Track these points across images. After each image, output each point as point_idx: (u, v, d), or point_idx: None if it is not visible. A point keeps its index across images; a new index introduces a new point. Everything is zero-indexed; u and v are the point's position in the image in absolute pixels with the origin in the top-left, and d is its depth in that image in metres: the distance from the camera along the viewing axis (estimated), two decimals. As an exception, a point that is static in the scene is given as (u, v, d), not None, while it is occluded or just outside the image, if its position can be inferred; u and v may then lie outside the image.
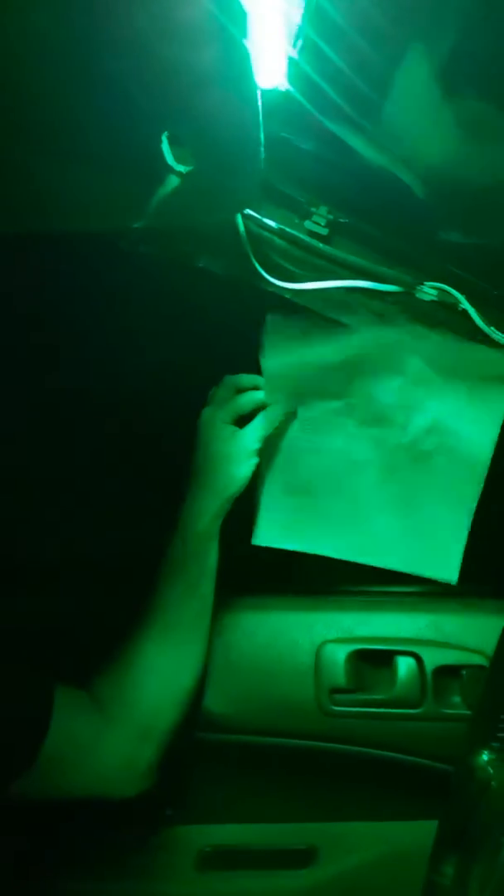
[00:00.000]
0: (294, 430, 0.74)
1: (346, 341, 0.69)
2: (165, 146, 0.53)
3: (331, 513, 0.75)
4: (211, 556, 0.67)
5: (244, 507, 0.72)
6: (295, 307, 0.66)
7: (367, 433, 0.73)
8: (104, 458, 0.85)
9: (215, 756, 0.73)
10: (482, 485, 0.71)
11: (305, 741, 0.72)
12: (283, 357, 0.71)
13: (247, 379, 0.71)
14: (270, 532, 0.76)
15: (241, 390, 0.71)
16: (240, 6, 0.43)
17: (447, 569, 0.72)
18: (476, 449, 0.71)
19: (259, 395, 0.71)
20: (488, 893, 0.30)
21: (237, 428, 0.70)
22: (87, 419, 0.83)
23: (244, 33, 0.43)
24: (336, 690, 0.72)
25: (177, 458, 0.70)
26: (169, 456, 0.72)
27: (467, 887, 0.33)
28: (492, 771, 0.47)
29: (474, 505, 0.71)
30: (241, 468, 0.68)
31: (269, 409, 0.71)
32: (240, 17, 0.43)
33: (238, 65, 0.46)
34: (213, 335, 0.76)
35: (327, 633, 0.74)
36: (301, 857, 0.73)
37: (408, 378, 0.71)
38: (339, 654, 0.73)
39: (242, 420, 0.71)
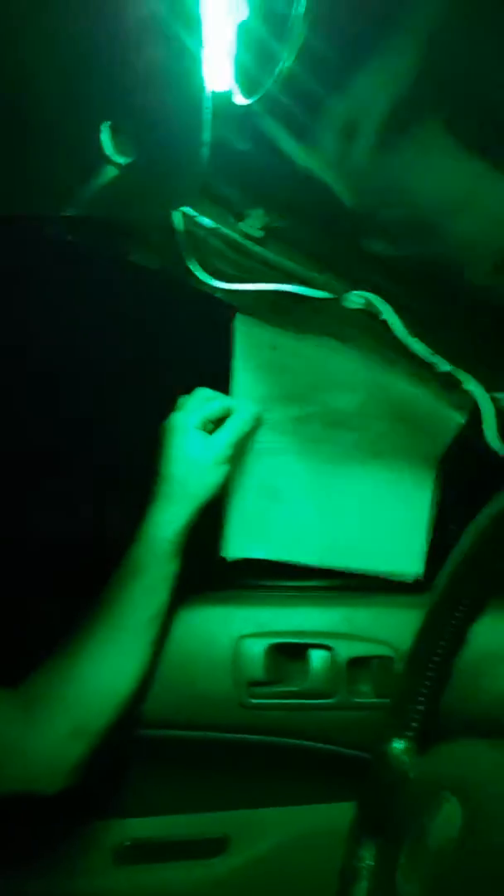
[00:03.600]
0: (260, 435, 0.76)
1: (311, 351, 0.71)
2: (105, 136, 0.52)
3: (298, 518, 0.78)
4: (174, 564, 0.67)
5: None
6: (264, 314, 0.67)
7: (329, 436, 0.76)
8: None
9: (133, 751, 0.73)
10: (434, 485, 0.76)
11: (223, 733, 0.73)
12: (252, 362, 0.71)
13: (216, 393, 0.72)
14: (241, 542, 0.77)
15: (209, 399, 0.71)
16: (196, 9, 0.43)
17: (412, 563, 0.77)
18: (427, 454, 0.75)
19: (228, 402, 0.71)
20: (416, 880, 0.33)
21: (207, 434, 0.70)
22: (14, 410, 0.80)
23: (198, 35, 0.43)
24: (254, 683, 0.73)
25: (133, 461, 0.69)
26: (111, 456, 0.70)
27: (393, 875, 0.36)
28: (407, 759, 0.50)
29: (433, 504, 0.76)
30: (214, 474, 0.69)
31: (238, 414, 0.71)
32: (194, 20, 0.43)
33: (188, 65, 0.45)
34: (142, 329, 0.76)
35: (245, 628, 0.76)
36: (214, 846, 0.74)
37: (362, 393, 0.73)
38: (256, 648, 0.74)
39: (210, 426, 0.72)
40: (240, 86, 0.49)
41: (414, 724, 0.50)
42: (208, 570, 0.79)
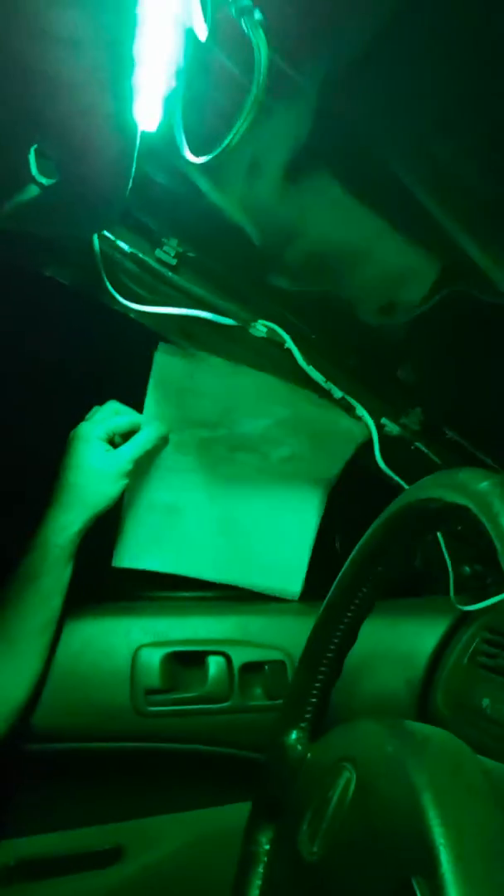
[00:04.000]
0: (165, 453, 0.79)
1: (227, 379, 0.75)
2: (31, 156, 0.54)
3: (190, 532, 0.81)
4: (67, 571, 0.68)
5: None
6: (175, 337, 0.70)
7: (233, 457, 0.80)
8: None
9: (29, 768, 0.73)
10: (322, 510, 0.83)
11: (120, 742, 0.74)
12: (168, 384, 0.74)
13: (126, 408, 0.73)
14: (131, 552, 0.79)
15: (118, 412, 0.73)
16: (131, 53, 0.46)
17: (292, 582, 0.83)
18: (321, 485, 0.82)
19: (136, 418, 0.73)
20: (318, 839, 0.37)
21: (111, 447, 0.72)
22: None
23: (131, 77, 0.47)
24: (151, 692, 0.75)
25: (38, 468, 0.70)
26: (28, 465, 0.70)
27: (294, 845, 0.40)
28: (300, 748, 0.54)
29: (316, 529, 0.82)
30: (112, 486, 0.70)
31: (145, 430, 0.73)
32: (129, 63, 0.47)
33: (120, 104, 0.49)
34: (52, 341, 0.77)
35: (143, 638, 0.77)
36: (107, 857, 0.75)
37: (272, 420, 0.78)
38: (154, 657, 0.76)
39: (115, 441, 0.74)
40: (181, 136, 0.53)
41: (307, 716, 0.55)
42: (100, 578, 0.81)
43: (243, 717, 0.76)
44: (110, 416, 0.74)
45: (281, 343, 0.71)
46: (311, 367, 0.72)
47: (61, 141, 0.52)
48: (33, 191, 0.57)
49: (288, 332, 0.71)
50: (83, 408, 0.76)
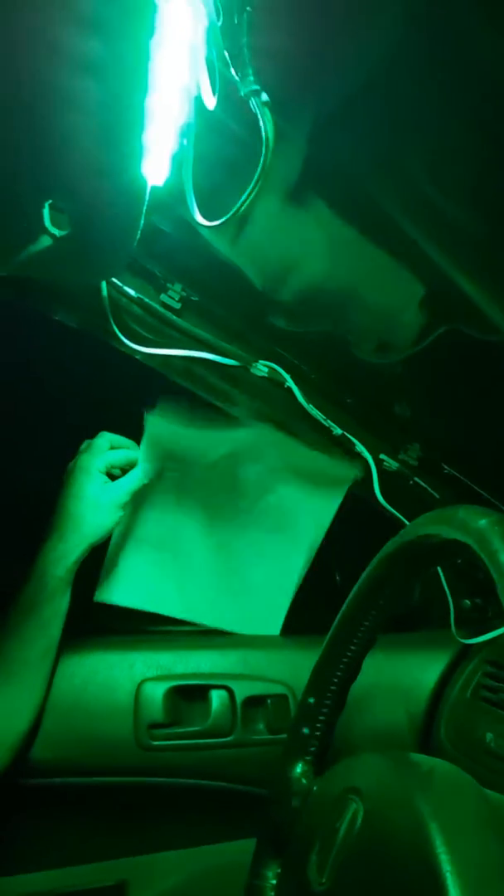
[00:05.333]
0: (156, 489, 0.80)
1: (225, 426, 0.77)
2: (46, 210, 0.57)
3: (173, 571, 0.82)
4: (65, 600, 0.69)
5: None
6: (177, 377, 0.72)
7: (222, 500, 0.81)
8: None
9: (30, 803, 0.73)
10: (311, 557, 0.84)
11: (123, 777, 0.75)
12: (166, 425, 0.76)
13: (120, 439, 0.75)
14: (116, 588, 0.81)
15: (115, 446, 0.74)
16: (141, 114, 0.49)
17: (270, 627, 0.85)
18: (310, 530, 0.83)
19: (133, 453, 0.75)
20: (327, 869, 0.38)
21: (109, 479, 0.73)
22: None
23: (140, 134, 0.50)
24: (154, 725, 0.75)
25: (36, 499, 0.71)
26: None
27: (304, 873, 0.40)
28: (305, 781, 0.55)
29: (302, 575, 0.84)
30: (108, 518, 0.72)
31: (142, 465, 0.75)
32: (138, 123, 0.50)
33: (130, 162, 0.52)
34: (62, 383, 0.79)
35: (146, 672, 0.78)
36: (110, 894, 0.75)
37: (265, 467, 0.81)
38: (157, 691, 0.77)
39: (112, 473, 0.75)
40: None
41: (312, 749, 0.56)
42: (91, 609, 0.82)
43: (246, 752, 0.77)
44: (105, 447, 0.75)
45: (281, 382, 0.74)
46: (310, 405, 0.74)
47: (75, 195, 0.55)
48: (46, 241, 0.60)
49: (288, 372, 0.74)
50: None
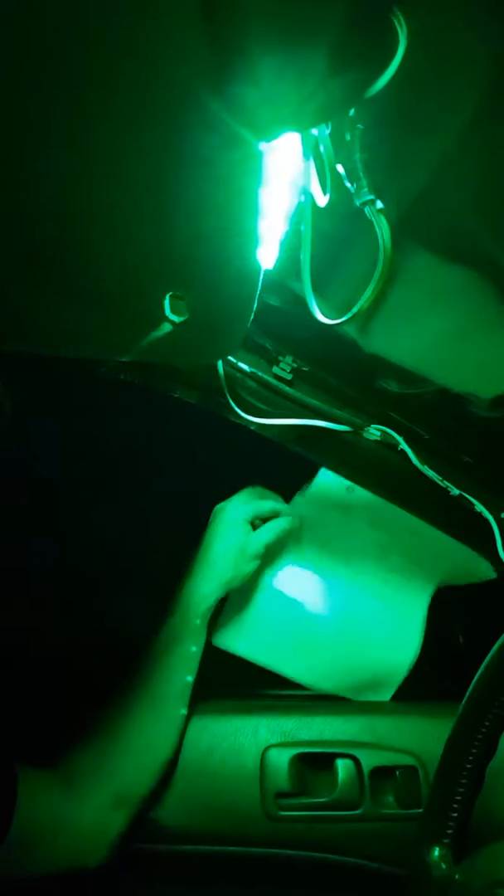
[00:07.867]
0: (290, 544, 0.83)
1: (377, 507, 0.79)
2: (167, 299, 0.62)
3: (291, 629, 0.82)
4: (201, 641, 0.72)
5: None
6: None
7: (347, 559, 0.82)
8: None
9: (160, 870, 0.74)
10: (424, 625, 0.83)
11: (251, 847, 0.74)
12: (324, 494, 0.79)
13: (267, 492, 0.79)
14: (233, 635, 0.82)
15: (263, 496, 0.78)
16: (257, 207, 0.53)
17: (383, 694, 0.83)
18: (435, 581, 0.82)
19: (279, 505, 0.78)
20: None
21: (251, 528, 0.76)
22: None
23: (256, 226, 0.53)
24: (281, 795, 0.75)
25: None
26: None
27: None
28: (444, 866, 0.53)
29: (419, 639, 0.83)
30: (249, 565, 0.75)
31: (284, 518, 0.78)
32: (253, 214, 0.53)
33: (247, 250, 0.56)
34: (181, 454, 0.84)
35: (271, 738, 0.78)
36: None
37: (384, 532, 0.82)
38: (283, 759, 0.76)
39: (255, 523, 0.79)
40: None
41: (449, 832, 0.53)
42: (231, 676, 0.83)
43: (375, 826, 0.74)
44: (254, 498, 0.78)
45: (395, 445, 0.74)
46: (425, 466, 0.74)
47: (195, 285, 0.59)
48: (166, 328, 0.64)
49: (401, 434, 0.74)
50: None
